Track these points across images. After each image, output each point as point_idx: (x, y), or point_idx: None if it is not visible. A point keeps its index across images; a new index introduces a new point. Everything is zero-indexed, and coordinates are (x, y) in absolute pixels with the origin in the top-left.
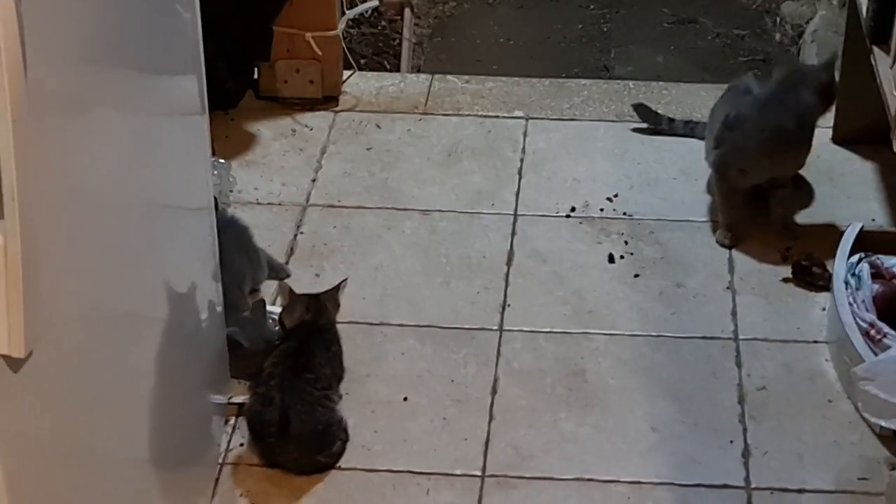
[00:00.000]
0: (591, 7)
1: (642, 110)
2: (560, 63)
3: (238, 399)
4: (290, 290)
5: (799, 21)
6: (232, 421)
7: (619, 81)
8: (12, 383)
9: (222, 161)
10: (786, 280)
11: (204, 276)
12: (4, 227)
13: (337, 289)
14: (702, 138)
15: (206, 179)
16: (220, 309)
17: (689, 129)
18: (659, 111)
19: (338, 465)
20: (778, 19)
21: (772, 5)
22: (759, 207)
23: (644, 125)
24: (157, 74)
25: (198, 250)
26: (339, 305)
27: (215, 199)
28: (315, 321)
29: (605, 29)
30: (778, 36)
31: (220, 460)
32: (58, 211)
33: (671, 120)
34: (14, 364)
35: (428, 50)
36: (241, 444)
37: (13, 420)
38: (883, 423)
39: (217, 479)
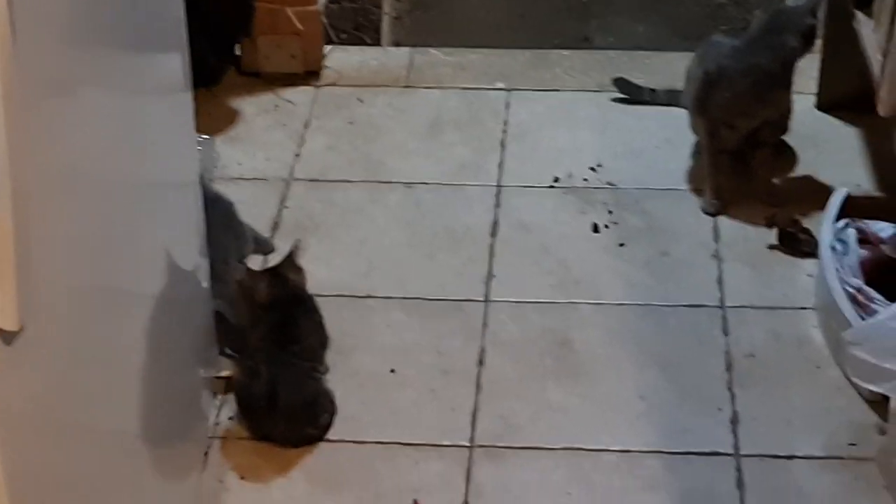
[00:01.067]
0: None
1: (623, 84)
2: (540, 34)
3: (226, 373)
4: (248, 269)
5: None
6: (221, 395)
7: (600, 51)
8: (5, 357)
9: (206, 137)
10: (772, 247)
11: (191, 251)
12: None
13: (291, 255)
14: (684, 106)
15: (191, 155)
16: (206, 284)
17: (671, 98)
18: (640, 83)
19: (326, 437)
20: None
21: None
22: (744, 174)
23: (625, 97)
24: (141, 52)
25: (184, 226)
26: (301, 269)
27: (200, 175)
28: (284, 292)
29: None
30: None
31: (210, 434)
32: (47, 188)
33: (652, 91)
34: (7, 337)
35: (408, 24)
36: (231, 419)
37: (5, 393)
38: (872, 388)
39: (207, 453)
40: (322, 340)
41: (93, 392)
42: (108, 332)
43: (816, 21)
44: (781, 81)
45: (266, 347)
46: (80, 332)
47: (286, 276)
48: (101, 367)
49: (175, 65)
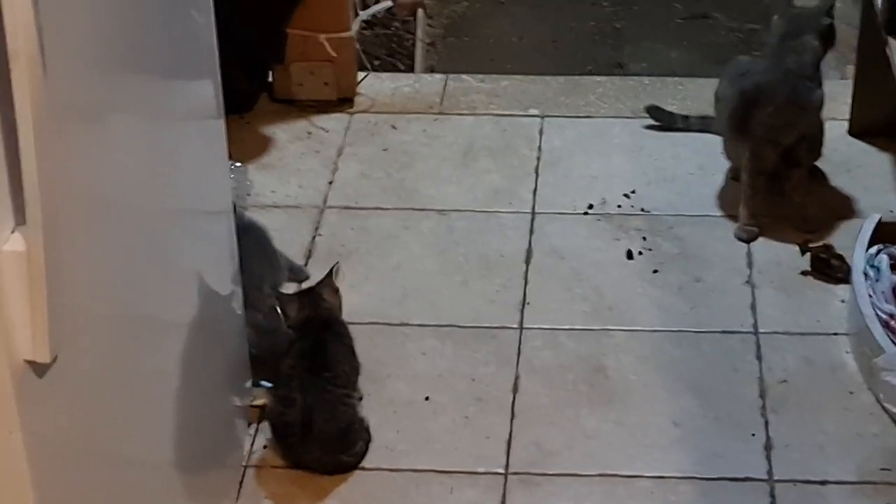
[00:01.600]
0: (604, 4)
1: (655, 112)
2: (573, 61)
3: (260, 401)
4: (279, 293)
5: None
6: (255, 423)
7: (633, 77)
8: (37, 388)
9: (239, 164)
10: (804, 273)
11: (224, 279)
12: (27, 233)
13: (330, 274)
14: (718, 132)
15: (224, 183)
16: (240, 312)
17: (704, 125)
18: (672, 110)
19: (361, 465)
20: None
21: None
22: (779, 197)
23: (657, 124)
24: (173, 79)
25: (217, 253)
26: (337, 290)
27: (233, 202)
28: (317, 313)
29: (617, 26)
30: None
31: (244, 462)
32: (79, 215)
33: (685, 118)
34: (39, 369)
35: (441, 50)
36: (265, 447)
37: (39, 425)
38: None
39: (241, 482)
40: (354, 366)
41: (125, 421)
42: (140, 361)
43: (832, 20)
44: (815, 80)
45: (299, 374)
46: (111, 361)
47: (320, 298)
48: (133, 396)
49: (207, 92)
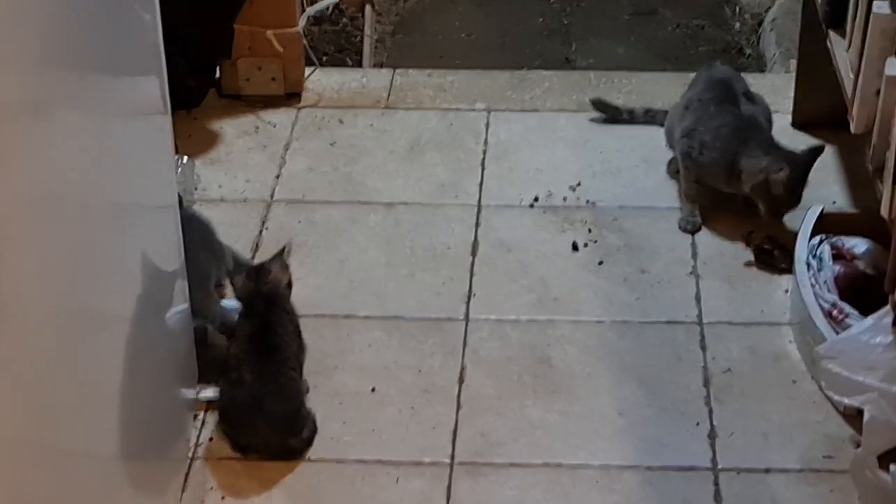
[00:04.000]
0: (552, 1)
1: (600, 105)
2: (521, 57)
3: (207, 394)
4: (229, 273)
5: (758, 10)
6: (202, 415)
7: (578, 72)
8: None
9: (186, 159)
10: (748, 264)
11: (170, 273)
12: None
13: (281, 252)
14: (662, 125)
15: (170, 178)
16: (186, 305)
17: (649, 118)
18: (617, 103)
19: (308, 456)
20: (737, 8)
21: None
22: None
23: (603, 117)
24: (118, 75)
25: (163, 248)
26: (287, 267)
27: (179, 196)
28: (260, 288)
29: (565, 22)
30: (737, 25)
31: (191, 454)
32: (21, 211)
33: (630, 111)
34: None
35: (390, 47)
36: (211, 439)
37: None
38: (846, 401)
39: (187, 473)
40: (301, 346)
41: (69, 414)
42: (84, 355)
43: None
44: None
45: (248, 356)
46: (54, 355)
47: (266, 273)
48: (77, 389)
49: (153, 87)
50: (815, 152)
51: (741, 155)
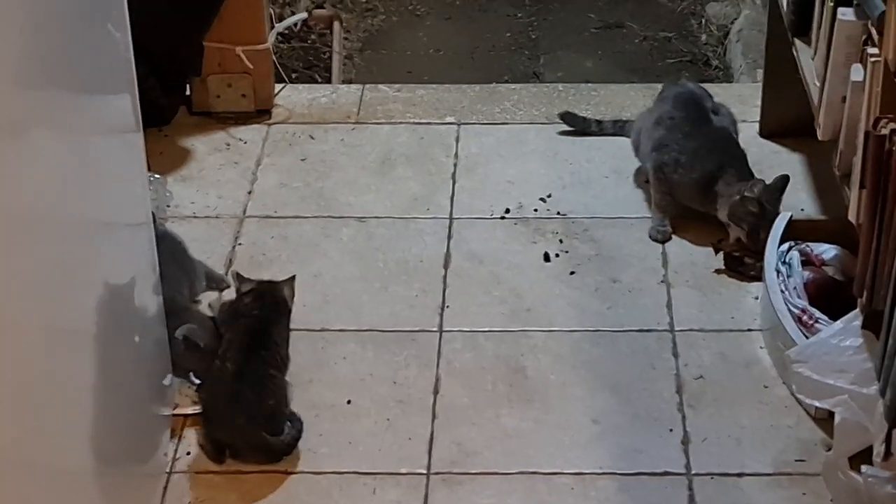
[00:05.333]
0: (519, 15)
1: (569, 117)
2: (490, 71)
3: (184, 410)
4: (239, 274)
5: (724, 21)
6: (179, 431)
7: (547, 85)
8: None
9: (158, 176)
10: (718, 271)
11: (144, 289)
12: None
13: (292, 279)
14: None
15: (143, 195)
16: (161, 323)
17: (618, 129)
18: (586, 115)
19: (285, 468)
20: (703, 20)
21: (697, 7)
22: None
23: (572, 129)
24: (90, 94)
25: (137, 265)
26: (293, 293)
27: (152, 214)
28: (266, 295)
29: (533, 36)
30: (704, 37)
31: (168, 468)
32: None
33: (599, 122)
34: None
35: (359, 63)
36: (189, 453)
37: None
38: (817, 405)
39: (165, 488)
40: (288, 355)
41: (40, 430)
42: (57, 371)
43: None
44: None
45: (236, 348)
46: (28, 370)
47: (277, 288)
48: (51, 405)
49: (124, 105)
50: (784, 179)
51: (717, 180)
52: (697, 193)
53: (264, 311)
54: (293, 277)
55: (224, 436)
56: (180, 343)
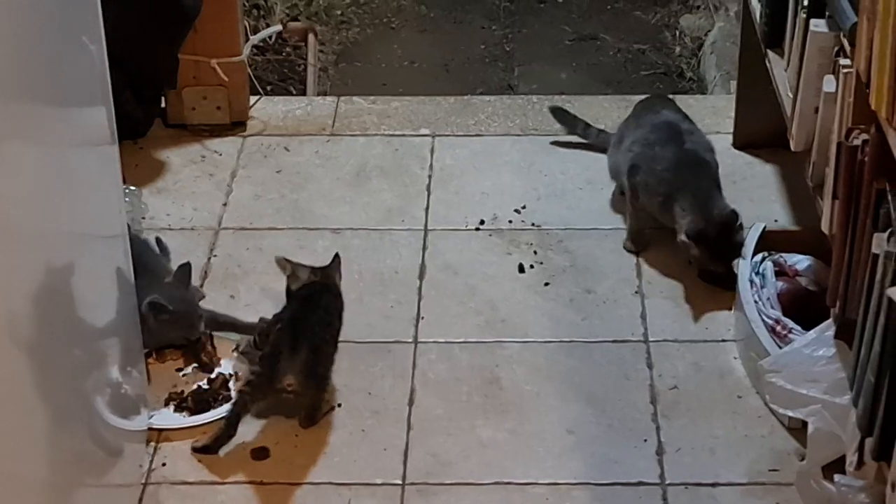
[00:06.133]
0: (494, 28)
1: (559, 113)
2: (465, 83)
3: (158, 424)
4: (287, 260)
5: (698, 33)
6: (153, 443)
7: (522, 97)
8: None
9: (133, 188)
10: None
11: (119, 301)
12: None
13: (337, 261)
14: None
15: (118, 207)
16: (137, 333)
17: (599, 140)
18: (577, 115)
19: (260, 479)
20: (677, 32)
21: (671, 19)
22: None
23: (559, 138)
24: (65, 106)
25: (112, 276)
26: (341, 276)
27: (128, 225)
28: (324, 283)
29: (507, 49)
30: (678, 49)
31: (143, 480)
32: None
33: (587, 125)
34: None
35: (333, 75)
36: (164, 464)
37: None
38: (790, 414)
39: (140, 499)
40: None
41: (14, 440)
42: (30, 382)
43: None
44: None
45: (292, 308)
46: (1, 382)
47: (331, 273)
48: (22, 415)
49: (100, 118)
50: (731, 217)
51: (674, 204)
52: (662, 215)
53: (316, 288)
54: (335, 260)
55: (276, 388)
56: (149, 314)
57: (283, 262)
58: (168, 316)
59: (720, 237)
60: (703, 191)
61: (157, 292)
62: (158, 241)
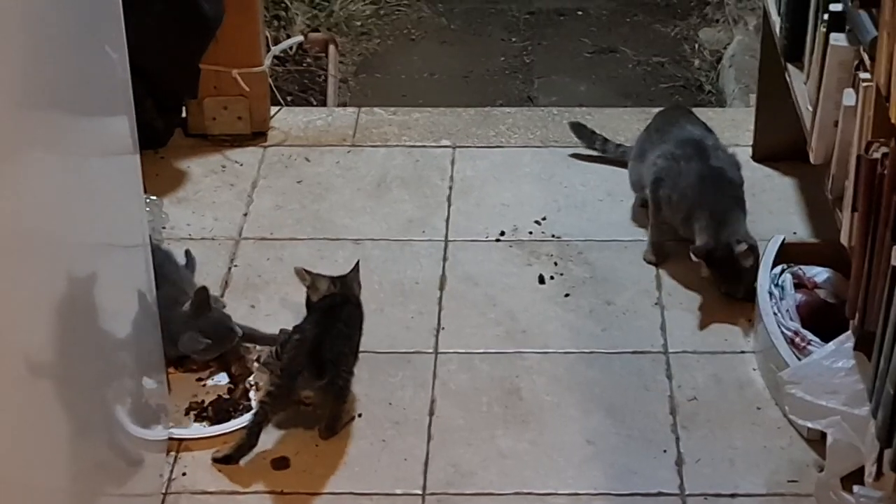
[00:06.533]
0: (514, 40)
1: (578, 129)
2: (484, 95)
3: (179, 434)
4: (307, 271)
5: (717, 47)
6: (174, 453)
7: (542, 108)
8: None
9: (154, 198)
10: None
11: (140, 311)
12: None
13: (356, 270)
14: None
15: (140, 217)
16: (157, 343)
17: (619, 154)
18: (595, 130)
19: (280, 489)
20: (696, 45)
21: (690, 32)
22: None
23: (578, 150)
24: (88, 116)
25: (134, 287)
26: (360, 286)
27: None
28: (344, 294)
29: (527, 61)
30: (697, 62)
31: (164, 490)
32: None
33: (605, 140)
34: None
35: (353, 86)
36: (184, 474)
37: None
38: (809, 425)
39: None
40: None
41: (36, 450)
42: (53, 391)
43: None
44: None
45: (316, 319)
46: (24, 390)
47: (350, 284)
48: (45, 425)
49: (121, 127)
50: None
51: (692, 219)
52: (684, 230)
53: (337, 300)
54: (356, 267)
55: (300, 394)
56: (184, 342)
57: (302, 273)
58: (205, 346)
59: (728, 261)
60: (721, 211)
61: (192, 322)
62: (188, 253)
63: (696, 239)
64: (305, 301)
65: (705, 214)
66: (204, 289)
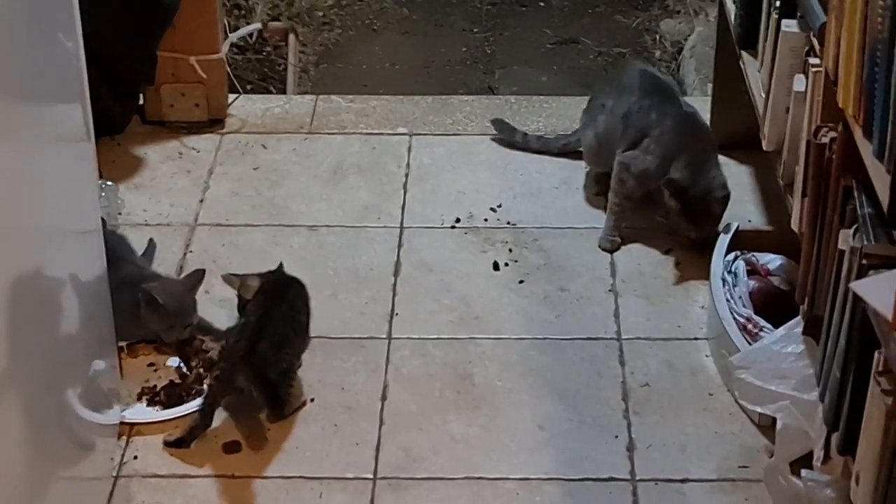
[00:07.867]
0: (475, 30)
1: (499, 124)
2: (445, 85)
3: (131, 418)
4: (233, 274)
5: (678, 38)
6: (125, 437)
7: (500, 97)
8: None
9: (110, 183)
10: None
11: (93, 295)
12: None
13: (280, 266)
14: (556, 154)
15: (93, 203)
16: (110, 328)
17: (541, 145)
18: (516, 126)
19: (232, 473)
20: (657, 37)
21: (651, 23)
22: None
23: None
24: (41, 102)
25: (86, 272)
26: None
27: (103, 220)
28: (282, 279)
29: (488, 51)
30: (658, 53)
31: (114, 473)
32: None
33: (525, 135)
34: None
35: (314, 76)
36: (135, 458)
37: None
38: (759, 410)
39: (111, 492)
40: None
41: None
42: (1, 375)
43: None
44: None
45: (261, 302)
46: None
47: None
48: None
49: (75, 115)
50: (719, 189)
51: (673, 163)
52: (655, 180)
53: (281, 283)
54: (280, 265)
55: (238, 384)
56: (142, 301)
57: (229, 279)
58: (159, 312)
59: (701, 202)
60: (700, 152)
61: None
62: (150, 241)
63: (673, 175)
64: (238, 304)
65: (685, 156)
66: (202, 271)
